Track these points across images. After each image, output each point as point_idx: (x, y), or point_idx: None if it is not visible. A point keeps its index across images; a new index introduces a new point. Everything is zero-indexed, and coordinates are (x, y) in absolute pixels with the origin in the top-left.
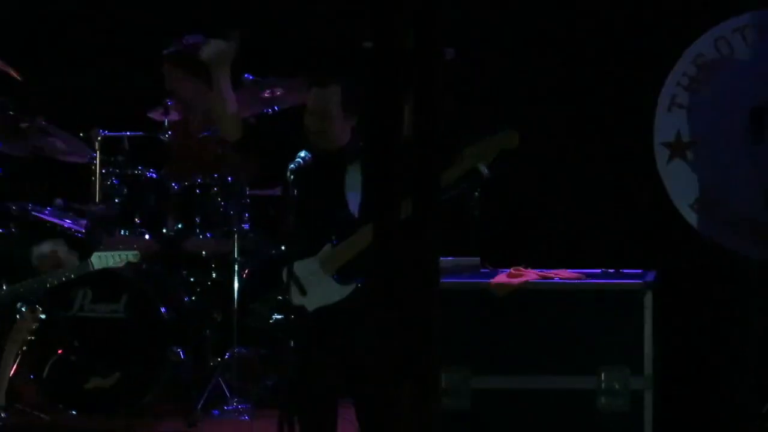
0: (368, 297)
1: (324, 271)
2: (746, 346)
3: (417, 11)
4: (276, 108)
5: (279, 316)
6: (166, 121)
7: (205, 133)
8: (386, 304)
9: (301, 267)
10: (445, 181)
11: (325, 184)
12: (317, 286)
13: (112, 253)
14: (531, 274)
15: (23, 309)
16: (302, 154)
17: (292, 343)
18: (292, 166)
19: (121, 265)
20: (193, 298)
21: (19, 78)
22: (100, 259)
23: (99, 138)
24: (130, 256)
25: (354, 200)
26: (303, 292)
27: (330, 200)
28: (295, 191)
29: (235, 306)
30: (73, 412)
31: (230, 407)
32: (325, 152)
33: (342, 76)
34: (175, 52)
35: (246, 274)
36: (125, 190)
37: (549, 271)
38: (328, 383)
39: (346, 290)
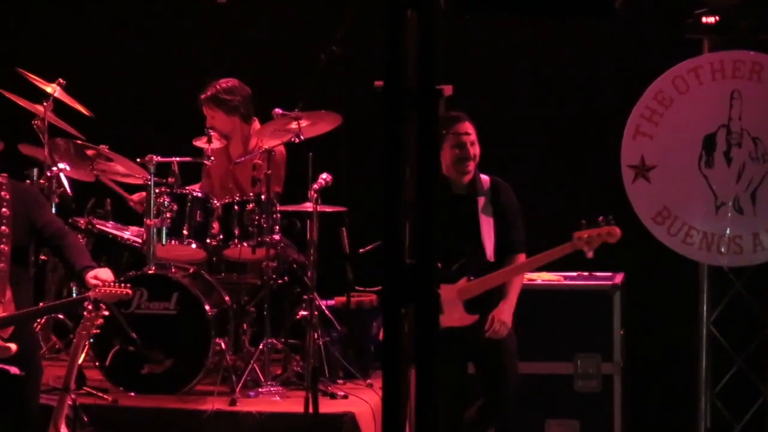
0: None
1: (460, 299)
2: (698, 337)
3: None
4: (301, 137)
5: (304, 313)
6: (209, 148)
7: (242, 159)
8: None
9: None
10: (550, 258)
11: None
12: (453, 309)
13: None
14: None
15: (89, 307)
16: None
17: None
18: (315, 186)
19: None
20: (232, 296)
21: (88, 114)
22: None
23: (153, 163)
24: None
25: None
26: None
27: None
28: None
29: (268, 303)
30: (132, 394)
31: (264, 389)
32: None
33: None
34: (211, 96)
35: (275, 277)
36: (175, 206)
37: (534, 274)
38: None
39: (472, 319)
